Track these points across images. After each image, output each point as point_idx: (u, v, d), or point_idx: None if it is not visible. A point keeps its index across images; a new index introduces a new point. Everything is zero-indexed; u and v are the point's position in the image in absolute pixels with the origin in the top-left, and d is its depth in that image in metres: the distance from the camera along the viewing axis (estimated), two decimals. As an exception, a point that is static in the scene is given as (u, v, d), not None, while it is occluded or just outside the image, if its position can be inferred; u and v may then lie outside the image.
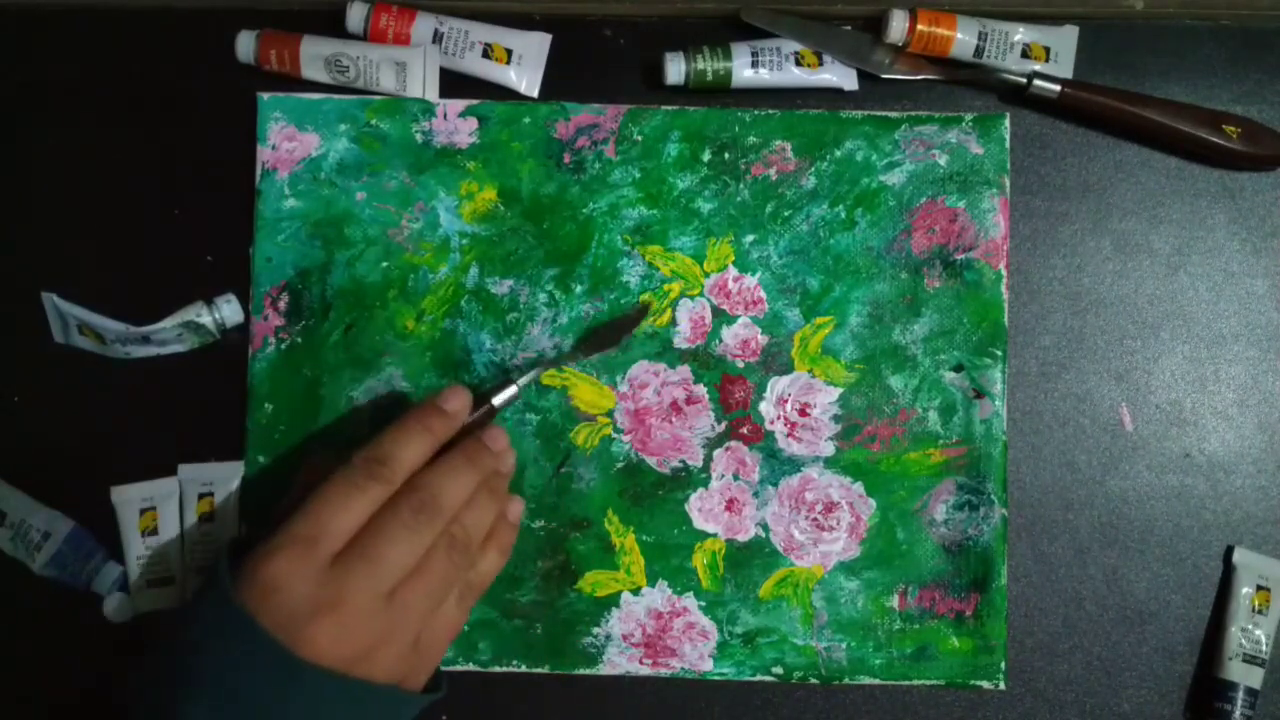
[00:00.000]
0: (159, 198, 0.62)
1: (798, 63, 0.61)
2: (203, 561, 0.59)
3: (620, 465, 0.60)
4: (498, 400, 0.55)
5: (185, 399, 0.61)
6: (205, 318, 0.60)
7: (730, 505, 0.60)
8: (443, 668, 0.59)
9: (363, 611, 0.45)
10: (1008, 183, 0.61)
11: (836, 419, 0.60)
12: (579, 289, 0.61)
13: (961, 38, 0.60)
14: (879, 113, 0.61)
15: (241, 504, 0.60)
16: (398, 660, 0.47)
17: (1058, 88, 0.60)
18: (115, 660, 0.59)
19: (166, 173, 0.62)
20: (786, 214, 0.61)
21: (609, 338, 0.60)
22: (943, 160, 0.61)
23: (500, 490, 0.53)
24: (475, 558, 0.51)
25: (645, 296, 0.60)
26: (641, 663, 0.59)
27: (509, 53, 0.61)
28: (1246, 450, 0.61)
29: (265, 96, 0.61)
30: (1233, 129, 0.60)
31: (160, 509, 0.60)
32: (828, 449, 0.60)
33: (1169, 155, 0.62)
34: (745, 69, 0.60)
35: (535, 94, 0.62)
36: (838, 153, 0.61)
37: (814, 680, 0.59)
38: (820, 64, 0.61)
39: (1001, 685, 0.59)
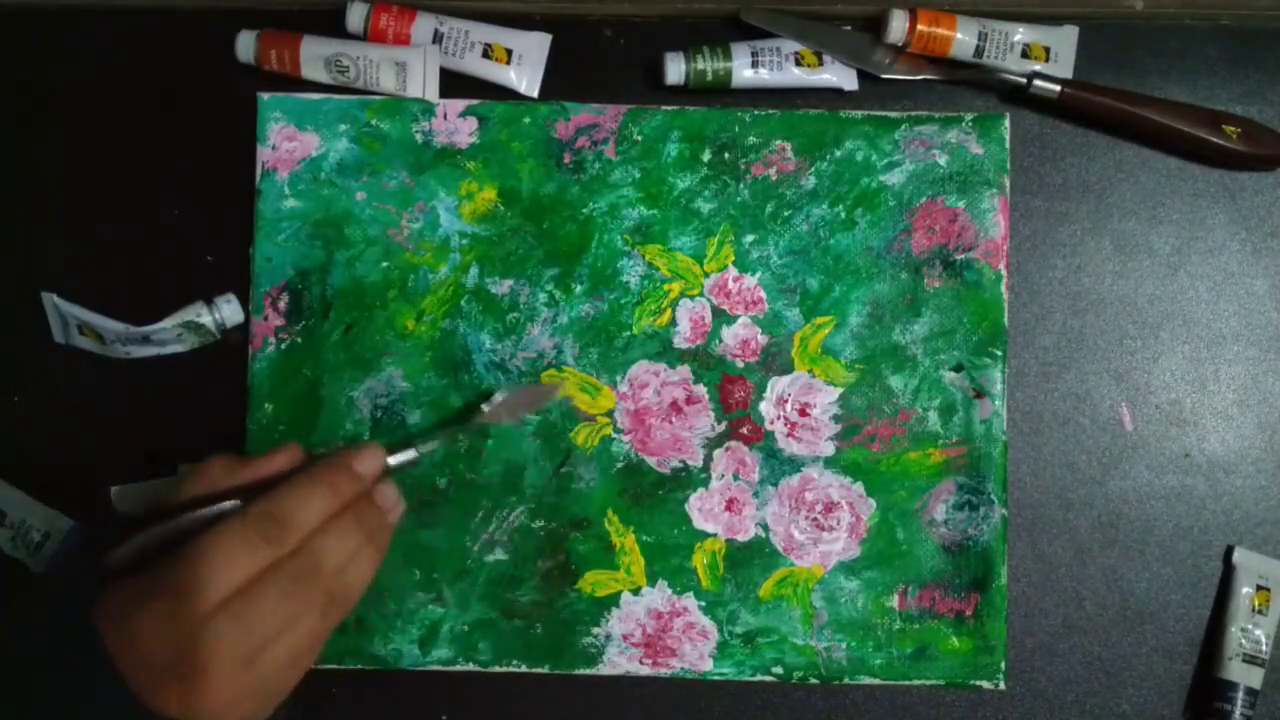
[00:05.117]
0: (159, 198, 0.62)
1: (798, 63, 0.61)
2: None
3: (620, 465, 0.60)
4: (394, 461, 0.52)
5: (185, 399, 0.61)
6: (205, 318, 0.60)
7: (730, 505, 0.60)
8: (440, 667, 0.59)
9: (224, 678, 0.44)
10: (1008, 183, 0.61)
11: (836, 419, 0.60)
12: (579, 289, 0.61)
13: (961, 38, 0.60)
14: (879, 113, 0.61)
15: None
16: (248, 712, 0.46)
17: (1058, 88, 0.60)
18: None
19: (166, 173, 0.62)
20: (786, 214, 0.61)
21: (514, 408, 0.59)
22: (943, 160, 0.61)
23: (384, 543, 0.50)
24: (349, 605, 0.49)
25: (550, 376, 0.60)
26: (641, 663, 0.59)
27: (509, 53, 0.61)
28: (1246, 450, 0.61)
29: (265, 96, 0.61)
30: (1233, 129, 0.60)
31: (160, 509, 0.60)
32: (828, 449, 0.60)
33: (1169, 155, 0.62)
34: (745, 69, 0.60)
35: (535, 94, 0.62)
36: (838, 153, 0.61)
37: (814, 680, 0.59)
38: (820, 64, 0.61)
39: (1001, 685, 0.59)
